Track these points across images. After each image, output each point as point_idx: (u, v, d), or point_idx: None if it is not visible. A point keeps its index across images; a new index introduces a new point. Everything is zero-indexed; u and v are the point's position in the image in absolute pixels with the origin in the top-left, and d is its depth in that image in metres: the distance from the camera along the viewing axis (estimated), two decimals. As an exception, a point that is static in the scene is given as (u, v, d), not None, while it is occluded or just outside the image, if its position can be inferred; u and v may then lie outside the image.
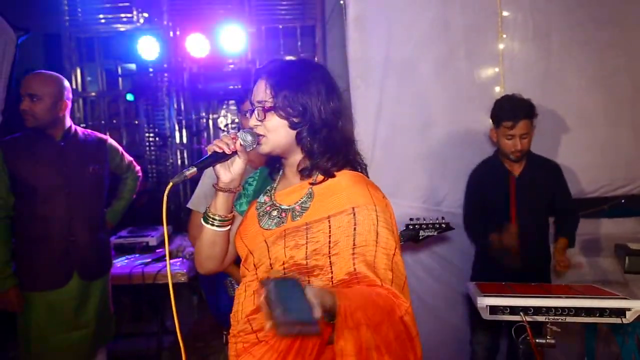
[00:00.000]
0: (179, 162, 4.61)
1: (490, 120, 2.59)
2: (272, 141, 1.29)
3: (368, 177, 1.36)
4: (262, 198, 1.39)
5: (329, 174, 1.30)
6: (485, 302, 1.80)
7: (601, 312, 1.75)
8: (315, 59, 4.53)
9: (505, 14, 2.72)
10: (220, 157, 1.25)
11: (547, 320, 1.78)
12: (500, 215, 2.49)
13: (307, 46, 4.61)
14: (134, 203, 3.03)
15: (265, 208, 1.35)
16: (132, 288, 3.30)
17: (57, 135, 2.46)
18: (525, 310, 1.77)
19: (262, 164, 1.55)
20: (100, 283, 2.61)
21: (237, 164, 1.28)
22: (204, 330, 3.92)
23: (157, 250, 3.37)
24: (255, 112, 1.28)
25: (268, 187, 1.42)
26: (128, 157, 2.90)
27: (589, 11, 2.77)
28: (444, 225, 2.42)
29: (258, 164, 2.32)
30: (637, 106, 2.85)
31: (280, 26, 4.57)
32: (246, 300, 1.33)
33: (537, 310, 1.77)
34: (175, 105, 4.48)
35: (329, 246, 1.22)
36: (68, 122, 2.50)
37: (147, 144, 4.52)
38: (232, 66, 4.45)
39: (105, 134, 2.80)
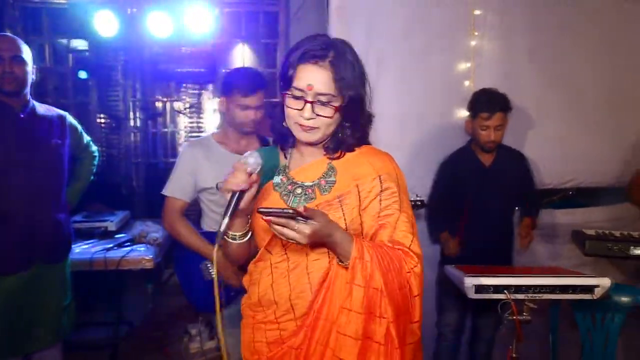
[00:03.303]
0: (133, 145, 4.41)
1: (462, 113, 2.73)
2: (323, 131, 1.28)
3: None
4: (277, 179, 1.37)
5: (351, 150, 1.34)
6: (472, 281, 1.90)
7: (573, 289, 1.91)
8: (278, 48, 4.52)
9: (477, 12, 2.85)
10: (242, 194, 1.21)
11: (526, 297, 1.92)
12: (471, 205, 2.60)
13: (269, 33, 4.57)
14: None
15: (287, 187, 1.35)
16: (86, 275, 3.14)
17: (17, 107, 2.30)
18: (509, 288, 1.90)
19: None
20: (61, 267, 2.49)
21: (251, 190, 1.23)
22: (160, 319, 3.81)
23: (116, 236, 3.23)
24: (314, 106, 1.24)
25: (280, 167, 1.40)
26: (86, 136, 2.78)
27: (547, 17, 2.97)
28: (419, 203, 2.52)
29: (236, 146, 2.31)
30: (584, 106, 3.10)
31: (242, 10, 4.50)
32: (277, 282, 1.32)
33: (518, 289, 1.91)
34: (131, 86, 4.28)
35: (360, 215, 1.28)
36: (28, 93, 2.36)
37: (100, 125, 4.28)
38: (187, 49, 4.32)
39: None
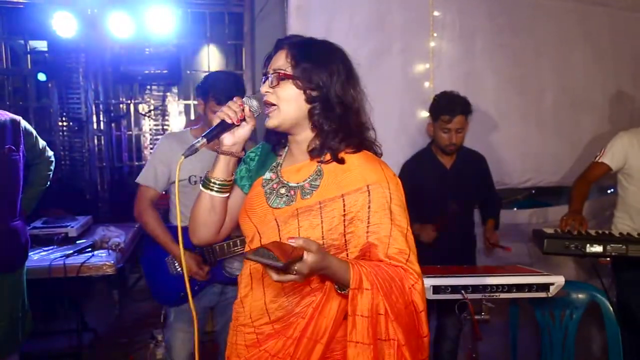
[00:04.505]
0: (97, 149, 4.31)
1: (423, 114, 2.74)
2: (283, 112, 1.24)
3: None
4: (268, 175, 1.35)
5: (337, 158, 1.26)
6: (429, 282, 1.91)
7: (529, 287, 1.94)
8: (243, 48, 4.48)
9: (436, 13, 2.88)
10: (228, 127, 1.25)
11: (483, 297, 1.94)
12: (432, 206, 2.60)
13: (234, 34, 4.54)
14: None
15: (272, 185, 1.32)
16: (47, 283, 3.07)
17: None
18: (465, 288, 1.91)
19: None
20: (16, 276, 2.40)
21: (243, 129, 1.28)
22: (126, 325, 3.74)
23: (77, 242, 3.15)
24: (270, 78, 1.25)
25: (273, 164, 1.38)
26: (42, 141, 2.70)
27: (507, 19, 3.04)
28: None
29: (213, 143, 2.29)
30: (542, 107, 3.17)
31: (207, 11, 4.45)
32: (254, 286, 1.31)
33: (475, 289, 1.93)
34: (93, 88, 4.18)
35: (344, 225, 1.22)
36: None
37: (61, 129, 4.17)
38: (150, 49, 4.23)
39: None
